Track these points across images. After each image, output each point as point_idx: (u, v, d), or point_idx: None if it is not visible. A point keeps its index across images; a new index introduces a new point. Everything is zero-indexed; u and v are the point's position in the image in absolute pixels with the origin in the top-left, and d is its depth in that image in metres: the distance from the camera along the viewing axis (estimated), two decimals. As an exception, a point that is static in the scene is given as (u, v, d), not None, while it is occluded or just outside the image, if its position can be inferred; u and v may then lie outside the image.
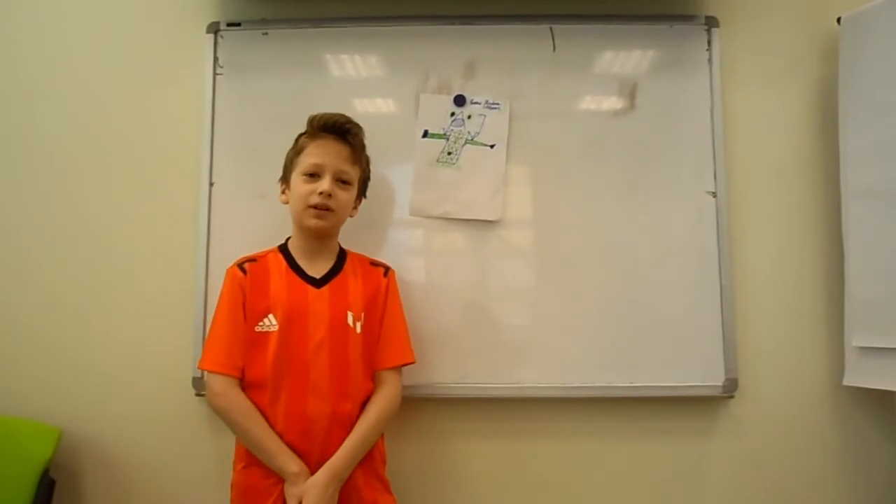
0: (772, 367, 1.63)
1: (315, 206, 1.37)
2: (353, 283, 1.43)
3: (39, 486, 1.49)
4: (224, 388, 1.35)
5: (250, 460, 1.35)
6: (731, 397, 1.60)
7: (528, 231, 1.66)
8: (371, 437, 1.37)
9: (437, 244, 1.65)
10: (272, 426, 1.33)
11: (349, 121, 1.43)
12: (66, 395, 1.63)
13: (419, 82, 1.66)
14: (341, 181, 1.40)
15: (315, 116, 1.42)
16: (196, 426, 1.62)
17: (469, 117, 1.65)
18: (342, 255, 1.48)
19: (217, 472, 1.59)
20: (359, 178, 1.46)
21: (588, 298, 1.61)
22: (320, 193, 1.36)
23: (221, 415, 1.36)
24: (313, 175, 1.38)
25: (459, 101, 1.66)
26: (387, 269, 1.50)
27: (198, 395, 1.60)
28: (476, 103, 1.65)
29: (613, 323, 1.60)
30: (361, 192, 1.50)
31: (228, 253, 1.57)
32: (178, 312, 1.63)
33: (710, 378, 1.59)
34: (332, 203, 1.38)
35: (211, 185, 1.64)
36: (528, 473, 1.63)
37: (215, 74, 1.67)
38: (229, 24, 1.68)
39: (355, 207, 1.49)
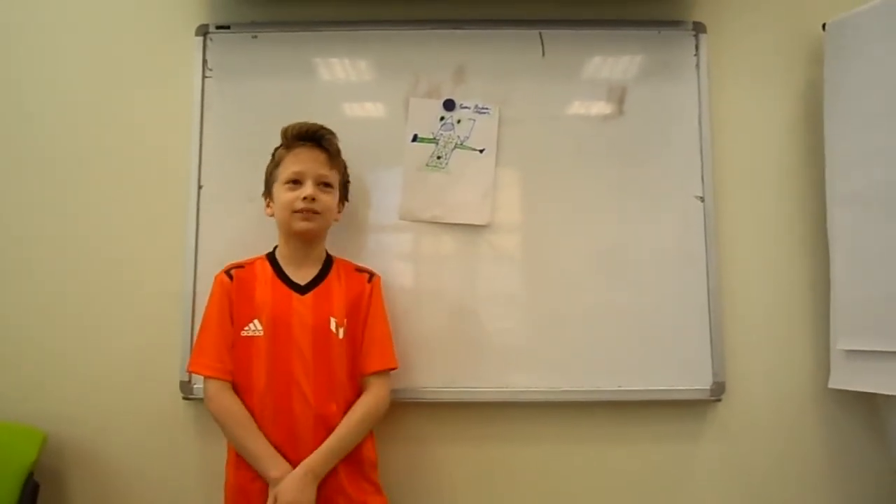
0: (759, 371, 1.64)
1: (301, 211, 1.40)
2: (337, 289, 1.46)
3: (24, 489, 1.47)
4: (215, 391, 1.39)
5: (240, 463, 1.37)
6: (719, 400, 1.61)
7: (517, 235, 1.66)
8: (351, 438, 1.38)
9: (426, 248, 1.65)
10: (261, 428, 1.35)
11: (322, 127, 1.47)
12: (51, 398, 1.62)
13: (409, 86, 1.66)
14: (323, 185, 1.44)
15: (288, 128, 1.46)
16: (183, 430, 1.61)
17: (459, 122, 1.66)
18: (328, 261, 1.50)
19: (203, 477, 1.58)
20: (338, 181, 1.48)
21: (576, 302, 1.62)
22: (304, 198, 1.40)
23: (214, 418, 1.39)
24: (295, 182, 1.42)
25: (449, 105, 1.66)
26: (371, 276, 1.52)
27: (185, 398, 1.59)
28: (466, 108, 1.66)
29: (601, 326, 1.61)
30: (343, 196, 1.52)
31: (216, 256, 1.57)
32: (165, 315, 1.62)
33: (697, 381, 1.60)
34: (316, 206, 1.41)
35: (199, 188, 1.64)
36: (517, 478, 1.63)
37: (204, 77, 1.67)
38: (218, 27, 1.68)
39: (339, 211, 1.51)
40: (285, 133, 1.46)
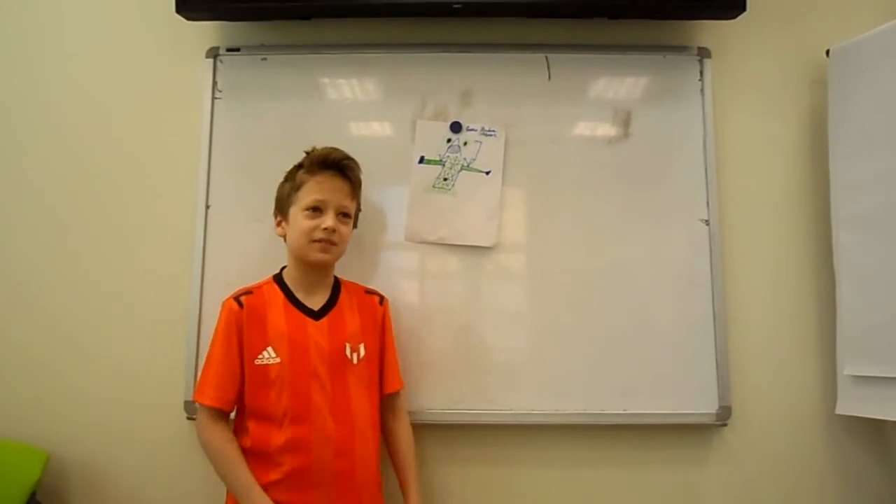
0: (765, 395, 1.63)
1: (319, 241, 1.39)
2: (349, 314, 1.45)
3: (26, 510, 1.47)
4: (209, 421, 1.37)
5: None
6: (725, 425, 1.60)
7: (523, 256, 1.66)
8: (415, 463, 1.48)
9: (432, 269, 1.65)
10: (277, 456, 1.33)
11: (347, 156, 1.46)
12: (55, 418, 1.62)
13: (416, 108, 1.68)
14: (342, 215, 1.43)
15: (313, 152, 1.44)
16: (186, 451, 1.59)
17: (465, 144, 1.67)
18: (337, 285, 1.49)
19: (206, 497, 1.57)
20: (355, 211, 1.49)
21: (581, 325, 1.62)
22: (324, 229, 1.39)
23: (203, 447, 1.38)
24: (316, 210, 1.40)
25: (456, 127, 1.67)
26: (381, 298, 1.53)
27: (189, 418, 1.59)
28: (472, 130, 1.67)
29: (607, 349, 1.61)
30: (353, 223, 1.52)
31: (223, 276, 1.57)
32: (171, 336, 1.62)
33: (703, 406, 1.59)
34: (335, 237, 1.40)
35: (207, 208, 1.65)
36: (521, 501, 1.61)
37: (214, 99, 1.68)
38: (229, 50, 1.70)
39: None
40: (310, 157, 1.44)
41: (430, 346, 1.60)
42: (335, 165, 1.43)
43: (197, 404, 1.40)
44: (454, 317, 1.62)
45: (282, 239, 1.47)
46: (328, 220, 1.39)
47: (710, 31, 1.73)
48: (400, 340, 1.55)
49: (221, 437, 1.36)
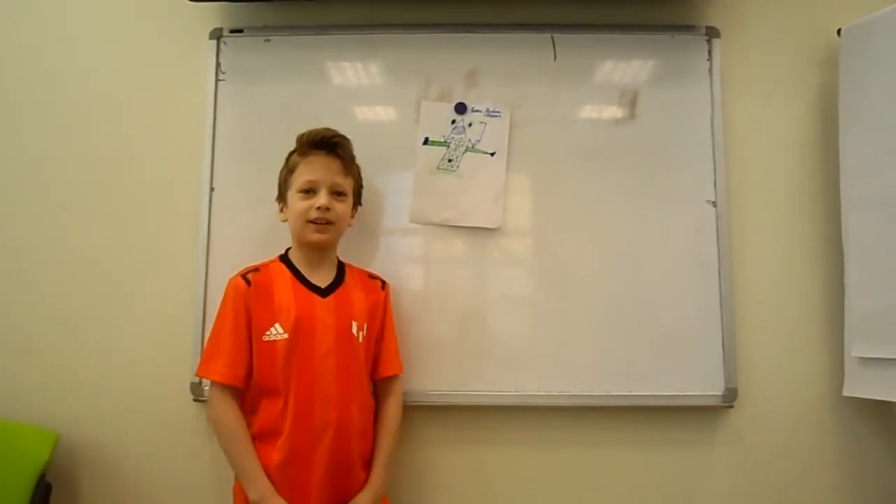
0: (772, 377, 1.63)
1: (315, 221, 1.40)
2: (356, 294, 1.46)
3: (36, 490, 1.48)
4: (218, 399, 1.38)
5: None
6: (731, 407, 1.60)
7: (528, 239, 1.66)
8: (394, 445, 1.47)
9: (437, 252, 1.65)
10: (282, 432, 1.34)
11: (336, 134, 1.46)
12: (64, 400, 1.63)
13: (420, 90, 1.67)
14: (336, 193, 1.43)
15: (303, 134, 1.45)
16: (193, 432, 1.61)
17: (470, 125, 1.66)
18: (341, 266, 1.50)
19: (214, 478, 1.58)
20: (352, 188, 1.48)
21: (587, 307, 1.61)
22: (318, 208, 1.39)
23: (212, 424, 1.40)
24: (309, 191, 1.42)
25: (460, 108, 1.66)
26: (383, 283, 1.54)
27: (195, 400, 1.60)
28: (477, 111, 1.66)
29: (613, 331, 1.60)
30: (357, 201, 1.52)
31: (228, 258, 1.57)
32: (177, 317, 1.63)
33: (709, 387, 1.59)
34: (330, 216, 1.41)
35: (211, 190, 1.64)
36: (527, 482, 1.62)
37: (217, 80, 1.67)
38: (232, 31, 1.69)
39: (352, 216, 1.51)
40: (300, 140, 1.45)
41: (434, 328, 1.60)
42: (324, 144, 1.44)
43: (209, 381, 1.41)
44: (459, 299, 1.62)
45: (286, 223, 1.47)
46: (321, 199, 1.40)
47: (718, 10, 1.70)
48: (405, 323, 1.56)
49: (232, 417, 1.37)
